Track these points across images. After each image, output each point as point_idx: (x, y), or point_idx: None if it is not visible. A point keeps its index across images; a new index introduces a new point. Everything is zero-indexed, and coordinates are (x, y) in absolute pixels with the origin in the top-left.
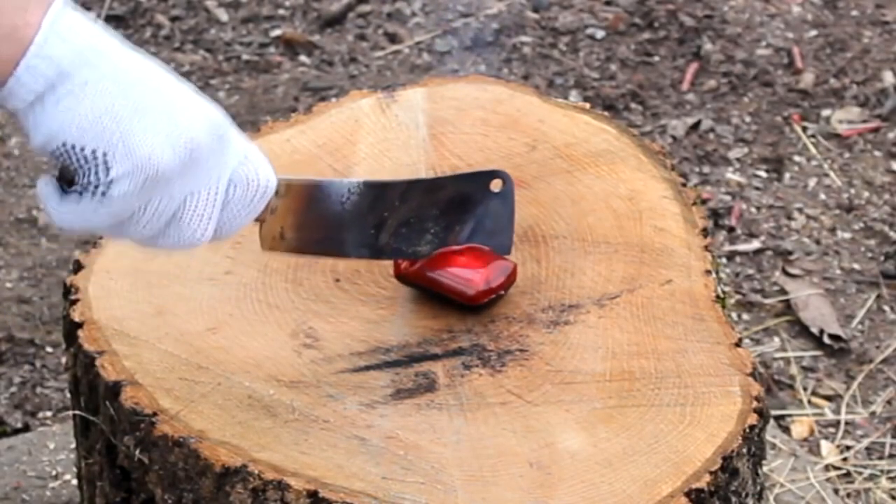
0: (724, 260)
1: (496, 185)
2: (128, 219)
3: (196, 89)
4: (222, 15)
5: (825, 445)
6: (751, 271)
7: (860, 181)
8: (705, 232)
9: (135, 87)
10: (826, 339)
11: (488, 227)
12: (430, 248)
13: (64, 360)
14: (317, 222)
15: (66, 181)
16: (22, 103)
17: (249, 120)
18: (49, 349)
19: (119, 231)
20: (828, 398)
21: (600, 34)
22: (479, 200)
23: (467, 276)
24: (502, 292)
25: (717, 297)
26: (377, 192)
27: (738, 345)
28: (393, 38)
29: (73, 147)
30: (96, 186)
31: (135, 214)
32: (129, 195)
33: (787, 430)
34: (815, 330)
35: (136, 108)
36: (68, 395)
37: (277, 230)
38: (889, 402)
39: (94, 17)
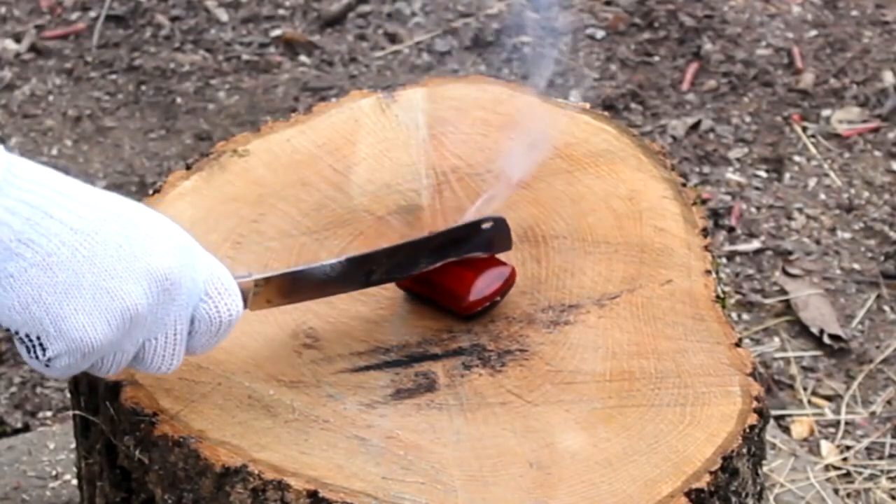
0: (724, 260)
1: (487, 224)
2: (89, 367)
3: (146, 217)
4: (222, 15)
5: (825, 445)
6: (751, 271)
7: (860, 181)
8: (705, 232)
9: (63, 268)
10: (826, 339)
11: (483, 247)
12: (424, 268)
13: None
14: (305, 294)
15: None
16: None
17: (249, 120)
18: None
19: (88, 372)
20: (828, 398)
21: (600, 34)
22: (471, 239)
23: (458, 288)
24: (498, 298)
25: (717, 297)
26: (361, 261)
27: (738, 345)
28: (393, 38)
29: (10, 329)
30: (39, 361)
31: (93, 366)
32: (72, 367)
33: (787, 430)
34: (815, 330)
35: (65, 292)
36: (68, 395)
37: (264, 303)
38: (889, 402)
39: (39, 165)
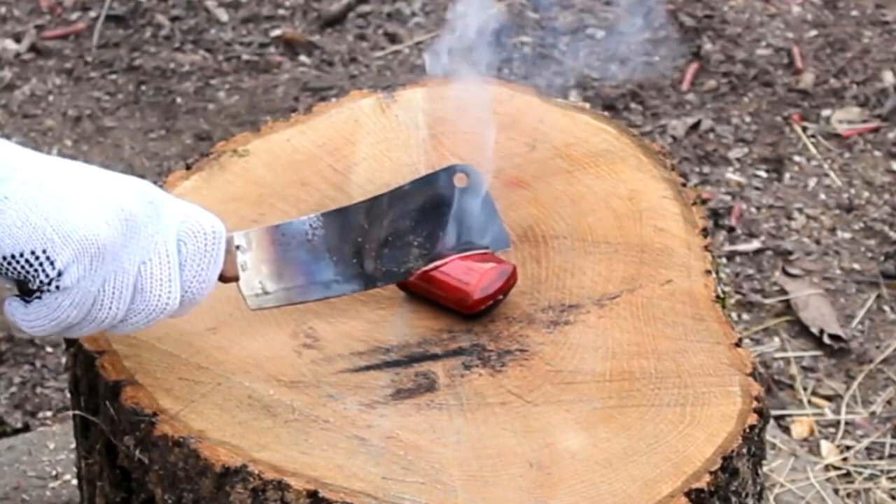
0: (724, 260)
1: (461, 181)
2: (92, 306)
3: (115, 173)
4: (222, 15)
5: (825, 445)
6: (751, 271)
7: (860, 181)
8: (705, 232)
9: (54, 183)
10: (826, 339)
11: (472, 225)
12: (423, 262)
13: (64, 360)
14: (292, 266)
15: (25, 292)
16: None
17: (249, 120)
18: (49, 349)
19: (90, 320)
20: (828, 398)
21: (600, 34)
22: (449, 200)
23: (462, 287)
24: (501, 297)
25: (717, 297)
26: (340, 219)
27: (738, 345)
28: (393, 38)
29: (13, 256)
30: (49, 282)
31: (97, 299)
32: (83, 279)
33: (787, 430)
34: (815, 330)
35: (61, 200)
36: (68, 395)
37: (257, 285)
38: (889, 402)
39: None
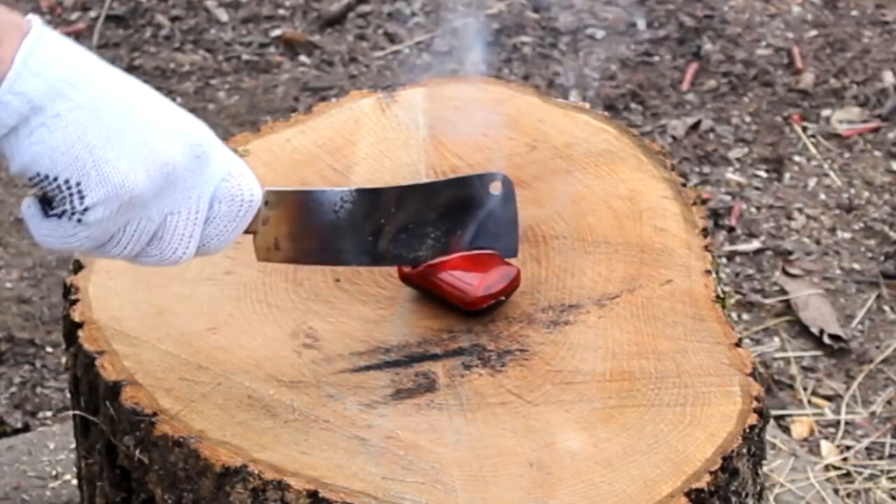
0: (724, 260)
1: (496, 188)
2: (108, 241)
3: (177, 106)
4: (222, 15)
5: (825, 445)
6: (751, 271)
7: (860, 181)
8: (705, 232)
9: (108, 113)
10: (826, 339)
11: (492, 231)
12: (432, 253)
13: (64, 360)
14: (311, 232)
15: (47, 203)
16: None
17: (249, 120)
18: (49, 349)
19: (101, 251)
20: (828, 398)
21: (600, 34)
22: (479, 204)
23: (467, 282)
24: (503, 298)
25: (717, 297)
26: (371, 200)
27: (738, 345)
28: (393, 38)
29: (48, 177)
30: (72, 213)
31: (114, 236)
32: (106, 220)
33: (787, 430)
34: (815, 330)
35: (109, 135)
36: (68, 395)
37: (271, 241)
38: (889, 402)
39: (70, 39)
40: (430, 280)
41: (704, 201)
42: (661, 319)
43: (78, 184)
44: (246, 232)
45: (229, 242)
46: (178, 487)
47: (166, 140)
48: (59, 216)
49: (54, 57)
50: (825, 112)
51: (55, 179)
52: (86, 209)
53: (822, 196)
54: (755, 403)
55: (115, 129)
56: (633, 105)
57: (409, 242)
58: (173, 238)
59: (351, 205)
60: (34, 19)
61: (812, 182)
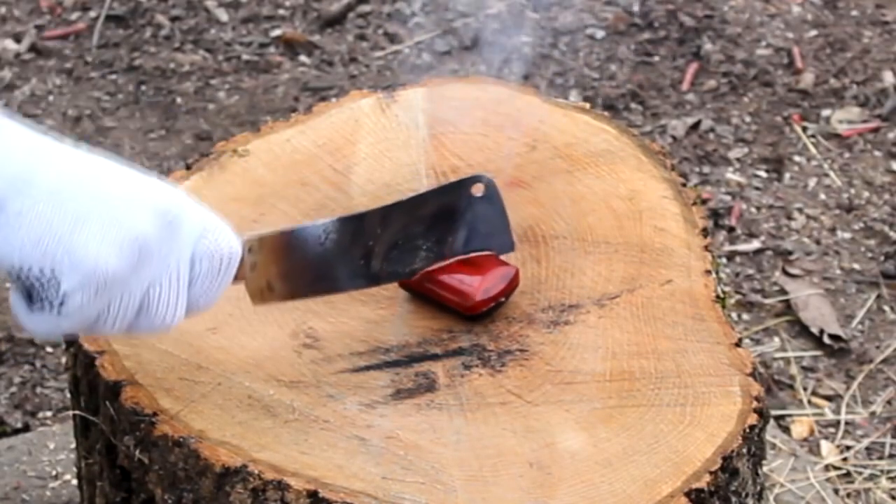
0: (724, 260)
1: (478, 190)
2: (95, 321)
3: (141, 173)
4: (222, 15)
5: (825, 445)
6: (751, 271)
7: (860, 181)
8: (705, 232)
9: (71, 200)
10: (826, 339)
11: (483, 231)
12: (428, 263)
13: (64, 360)
14: (301, 268)
15: (29, 296)
16: None
17: (249, 120)
18: (49, 349)
19: (91, 331)
20: (828, 398)
21: (600, 34)
22: (464, 208)
23: (465, 287)
24: (503, 299)
25: (717, 297)
26: (355, 225)
27: (738, 345)
28: (393, 38)
29: (21, 270)
30: (51, 303)
31: (100, 316)
32: (86, 305)
33: (787, 430)
34: (815, 330)
35: (75, 221)
36: (68, 395)
37: (263, 284)
38: (889, 402)
39: (28, 124)
40: (429, 288)
41: (704, 201)
42: (661, 319)
43: (52, 271)
44: (236, 280)
45: (217, 297)
46: (178, 487)
47: (134, 214)
48: (42, 308)
49: (11, 150)
50: (825, 112)
51: (29, 270)
52: (63, 297)
53: (822, 196)
54: (755, 403)
55: (80, 214)
56: (633, 105)
57: (402, 258)
58: (160, 307)
59: (336, 234)
60: None
61: (812, 182)
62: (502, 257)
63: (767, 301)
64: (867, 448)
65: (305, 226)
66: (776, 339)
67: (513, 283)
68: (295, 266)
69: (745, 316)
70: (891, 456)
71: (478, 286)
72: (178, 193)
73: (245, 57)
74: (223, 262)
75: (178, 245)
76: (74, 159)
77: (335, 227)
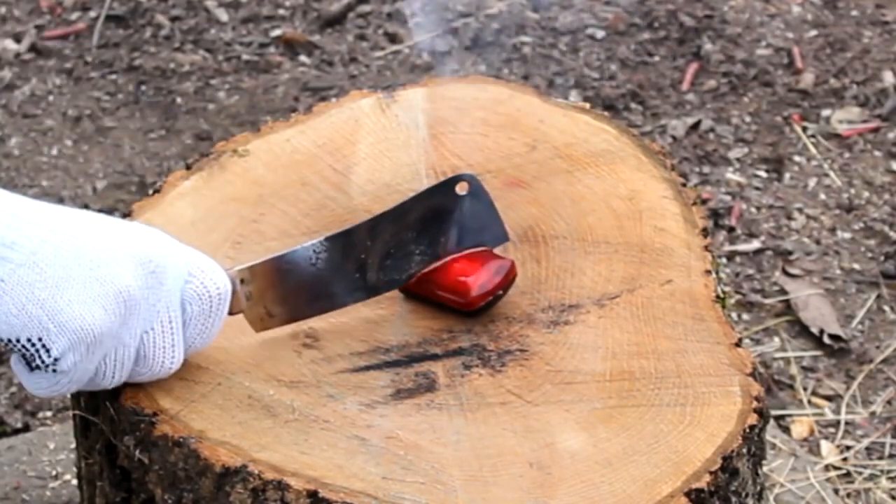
0: (724, 260)
1: (462, 188)
2: (93, 376)
3: (120, 222)
4: (222, 15)
5: (825, 445)
6: (751, 271)
7: (860, 181)
8: (705, 232)
9: (51, 263)
10: (826, 339)
11: (474, 227)
12: (423, 266)
13: None
14: (297, 290)
15: (25, 360)
16: None
17: (249, 120)
18: None
19: (92, 386)
20: (828, 398)
21: (600, 34)
22: (451, 207)
23: (461, 284)
24: (500, 293)
25: (717, 297)
26: (344, 241)
27: (738, 345)
28: (393, 38)
29: (10, 340)
30: (46, 366)
31: (98, 370)
32: (80, 363)
33: (787, 430)
34: (815, 330)
35: (56, 285)
36: (68, 395)
37: (262, 311)
38: (889, 402)
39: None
40: (426, 288)
41: (704, 201)
42: (661, 319)
43: (39, 339)
44: (233, 314)
45: (214, 335)
46: (178, 487)
47: (115, 269)
48: (39, 369)
49: None
50: (825, 112)
51: (17, 341)
52: (56, 360)
53: (822, 196)
54: (755, 403)
55: (61, 276)
56: (633, 105)
57: (397, 265)
58: (156, 353)
59: (326, 253)
60: None
61: (812, 182)
62: (498, 250)
63: (767, 301)
64: (867, 448)
65: (294, 249)
66: (776, 339)
67: (509, 276)
68: (291, 289)
69: (745, 316)
70: (891, 456)
71: (473, 281)
72: (160, 239)
73: (245, 57)
74: (213, 301)
75: (164, 292)
76: (52, 219)
77: (324, 246)
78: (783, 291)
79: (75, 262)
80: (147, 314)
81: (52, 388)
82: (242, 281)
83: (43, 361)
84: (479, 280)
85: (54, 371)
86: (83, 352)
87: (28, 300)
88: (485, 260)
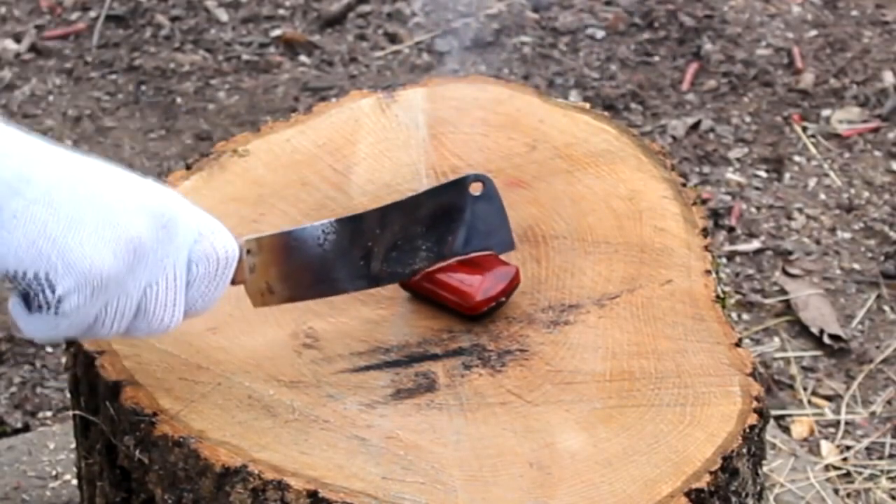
0: (724, 260)
1: (476, 189)
2: (93, 323)
3: (136, 176)
4: (222, 15)
5: (825, 445)
6: (751, 271)
7: (860, 181)
8: (705, 232)
9: (65, 202)
10: (826, 339)
11: (482, 230)
12: (428, 263)
13: (64, 360)
14: (301, 269)
15: (26, 300)
16: None
17: (249, 120)
18: (49, 349)
19: (89, 334)
20: (828, 398)
21: (600, 34)
22: (462, 207)
23: (465, 287)
24: (503, 299)
25: (717, 297)
26: (354, 226)
27: (738, 345)
28: (393, 38)
29: (16, 273)
30: (48, 305)
31: (97, 318)
32: (83, 306)
33: (787, 430)
34: (815, 330)
35: (69, 224)
36: (68, 395)
37: (263, 286)
38: (889, 402)
39: (24, 131)
40: (429, 288)
41: (704, 201)
42: (661, 319)
43: (46, 276)
44: (235, 283)
45: (216, 300)
46: (178, 487)
47: (128, 216)
48: (38, 311)
49: (7, 153)
50: (825, 112)
51: (24, 275)
52: (59, 299)
53: (822, 196)
54: (755, 403)
55: (74, 216)
56: (633, 105)
57: (402, 258)
58: (157, 308)
59: (334, 235)
60: None
61: (812, 182)
62: (502, 256)
63: (767, 301)
64: (867, 448)
65: (304, 227)
66: (776, 339)
67: (513, 283)
68: (294, 268)
69: (745, 316)
70: (891, 456)
71: (478, 286)
72: (174, 196)
73: (245, 57)
74: (220, 264)
75: (173, 248)
76: (70, 162)
77: (334, 228)
78: (783, 291)
79: (90, 204)
80: (154, 267)
81: (50, 331)
82: (249, 252)
83: (46, 301)
84: (484, 285)
85: (55, 313)
86: (87, 295)
87: (39, 235)
88: (490, 265)
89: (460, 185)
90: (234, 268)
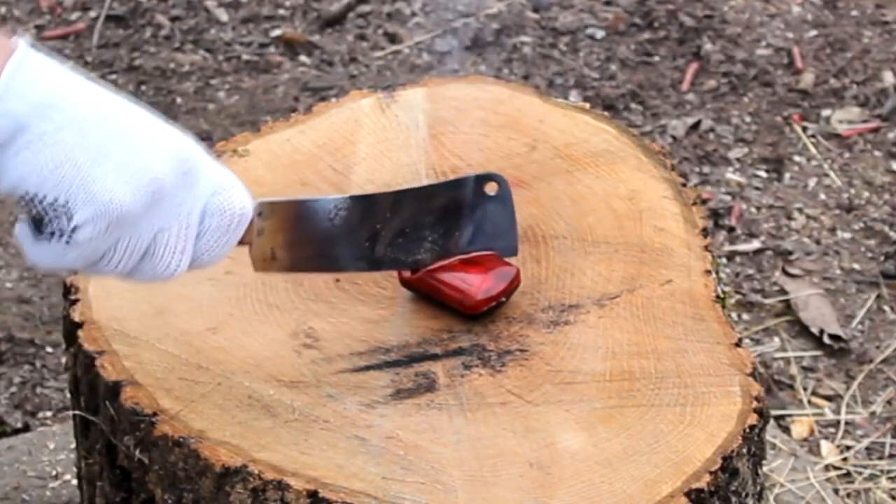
0: (724, 260)
1: (491, 189)
2: (100, 259)
3: (163, 121)
4: (222, 15)
5: (825, 445)
6: (751, 271)
7: (860, 181)
8: (705, 232)
9: (94, 132)
10: (826, 339)
11: (489, 231)
12: (431, 256)
13: (64, 360)
14: (307, 240)
15: (38, 224)
16: None
17: (249, 120)
18: (49, 349)
19: (93, 270)
20: (828, 398)
21: (600, 34)
22: (475, 205)
23: (466, 286)
24: (503, 299)
25: (717, 297)
26: (366, 206)
27: (738, 345)
28: (393, 38)
29: (36, 196)
30: (62, 232)
31: (105, 254)
32: (95, 239)
33: (787, 430)
34: (815, 330)
35: (96, 154)
36: (68, 395)
37: (268, 251)
38: (889, 402)
39: (58, 60)
40: (430, 285)
41: (704, 201)
42: (661, 319)
43: (66, 203)
44: (241, 244)
45: (222, 256)
46: (178, 487)
47: (153, 157)
48: (50, 237)
49: (39, 78)
50: (825, 112)
51: (43, 199)
52: (74, 228)
53: (822, 196)
54: (755, 403)
55: (101, 147)
56: (633, 105)
57: (407, 246)
58: (165, 254)
59: (346, 212)
60: (20, 41)
61: (812, 182)
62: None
63: (767, 301)
64: (867, 448)
65: (318, 198)
66: (776, 339)
67: (514, 283)
68: (301, 237)
69: (745, 316)
70: (891, 456)
71: (479, 285)
72: (199, 147)
73: (245, 57)
74: (233, 219)
75: (192, 195)
76: (101, 95)
77: (346, 204)
78: (783, 291)
79: (118, 138)
80: (169, 212)
81: (57, 261)
82: (261, 214)
83: (60, 228)
84: (485, 285)
85: (66, 242)
86: (101, 228)
87: (66, 160)
88: (491, 265)
89: (476, 182)
90: (246, 226)
